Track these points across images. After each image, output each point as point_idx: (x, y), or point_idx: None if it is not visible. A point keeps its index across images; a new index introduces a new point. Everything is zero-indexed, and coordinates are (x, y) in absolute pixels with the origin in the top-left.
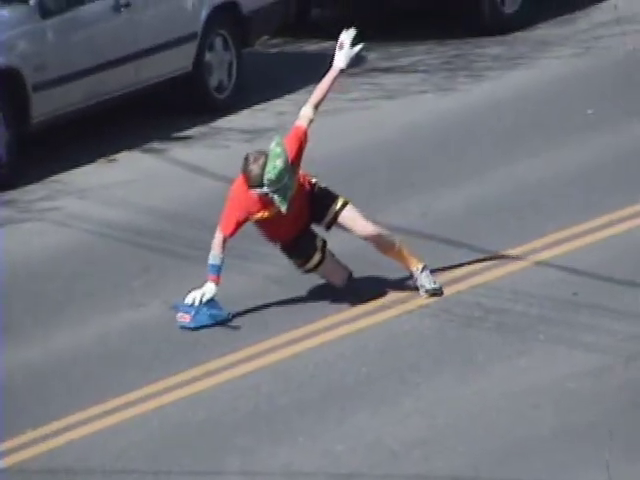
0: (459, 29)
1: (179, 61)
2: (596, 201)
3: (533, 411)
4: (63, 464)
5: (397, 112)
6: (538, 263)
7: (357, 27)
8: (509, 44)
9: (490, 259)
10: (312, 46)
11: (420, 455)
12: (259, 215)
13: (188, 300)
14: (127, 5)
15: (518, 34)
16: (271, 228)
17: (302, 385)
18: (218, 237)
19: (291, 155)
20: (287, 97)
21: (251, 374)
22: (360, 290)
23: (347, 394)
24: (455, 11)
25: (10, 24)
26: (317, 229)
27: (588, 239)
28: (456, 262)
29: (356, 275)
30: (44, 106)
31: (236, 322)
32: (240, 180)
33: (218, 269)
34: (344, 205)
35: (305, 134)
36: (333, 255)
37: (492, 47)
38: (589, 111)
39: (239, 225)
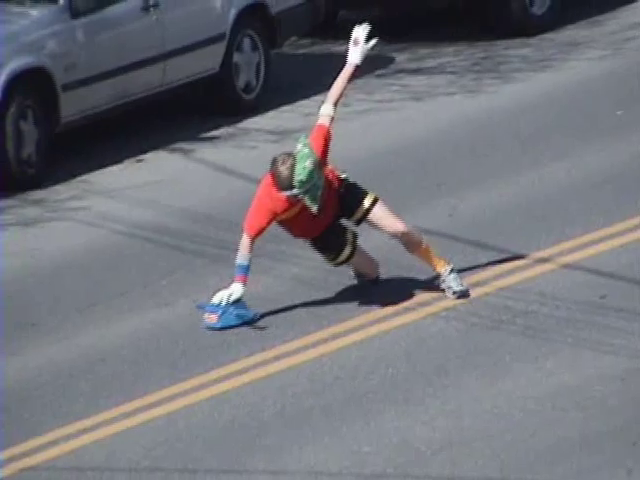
0: (488, 31)
1: (207, 62)
2: (624, 204)
3: (559, 414)
4: (90, 462)
5: (424, 114)
6: (565, 266)
7: (385, 28)
8: (537, 46)
9: (517, 261)
10: (339, 47)
11: (446, 457)
12: (286, 215)
13: (215, 300)
14: (156, 5)
15: (547, 36)
16: (299, 226)
17: (328, 386)
18: (245, 237)
19: (318, 154)
20: (314, 98)
21: (277, 375)
22: (386, 292)
23: (373, 395)
24: (484, 12)
25: (39, 24)
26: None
27: (615, 242)
28: (483, 264)
29: (382, 277)
30: (73, 106)
31: (262, 323)
32: (267, 180)
33: (246, 269)
34: (374, 202)
35: (329, 132)
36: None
37: (520, 49)
38: (618, 112)
39: (266, 226)
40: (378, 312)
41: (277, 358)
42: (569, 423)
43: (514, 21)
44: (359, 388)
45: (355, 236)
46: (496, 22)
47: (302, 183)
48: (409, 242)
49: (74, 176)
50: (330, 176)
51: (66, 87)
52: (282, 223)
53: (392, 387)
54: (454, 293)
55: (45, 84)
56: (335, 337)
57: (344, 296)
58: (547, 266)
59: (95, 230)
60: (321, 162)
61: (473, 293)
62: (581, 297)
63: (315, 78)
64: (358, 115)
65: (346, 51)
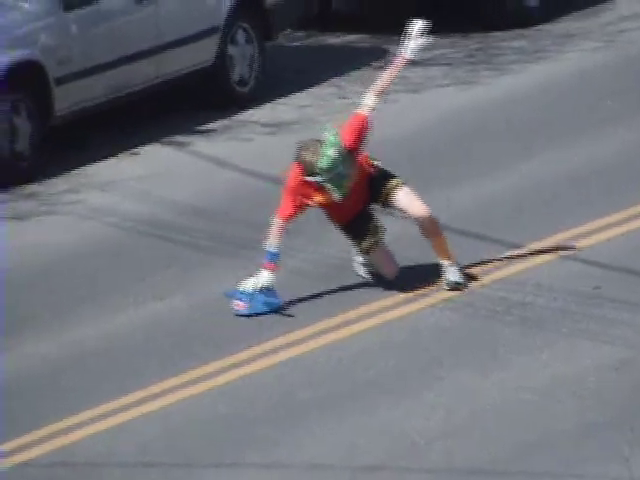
0: (482, 22)
1: (201, 54)
2: (617, 194)
3: (555, 405)
4: (85, 457)
5: (419, 105)
6: (560, 257)
7: (375, 22)
8: (532, 37)
9: (512, 253)
10: (335, 39)
11: (442, 448)
12: (315, 200)
13: (243, 287)
14: None
15: (541, 27)
16: (331, 211)
17: (325, 378)
18: (276, 223)
19: (349, 143)
20: (309, 90)
21: (274, 367)
22: (384, 284)
23: (370, 387)
24: (479, 4)
25: (32, 17)
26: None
27: (610, 233)
28: (478, 256)
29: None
30: (67, 99)
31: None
32: (295, 165)
33: (275, 256)
34: (399, 185)
35: (365, 121)
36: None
37: (515, 40)
38: (609, 102)
39: (296, 210)
40: (375, 304)
41: (274, 350)
42: (565, 413)
43: (508, 13)
44: (356, 380)
45: (382, 229)
46: (490, 14)
47: (323, 170)
48: (430, 228)
49: (68, 170)
50: (363, 163)
51: (59, 80)
52: (322, 208)
53: (388, 379)
54: (448, 284)
55: (38, 78)
56: (332, 329)
57: (341, 289)
58: (542, 257)
59: (89, 223)
60: (351, 151)
61: (469, 285)
62: (576, 288)
63: (310, 70)
64: (354, 106)
65: (341, 43)
